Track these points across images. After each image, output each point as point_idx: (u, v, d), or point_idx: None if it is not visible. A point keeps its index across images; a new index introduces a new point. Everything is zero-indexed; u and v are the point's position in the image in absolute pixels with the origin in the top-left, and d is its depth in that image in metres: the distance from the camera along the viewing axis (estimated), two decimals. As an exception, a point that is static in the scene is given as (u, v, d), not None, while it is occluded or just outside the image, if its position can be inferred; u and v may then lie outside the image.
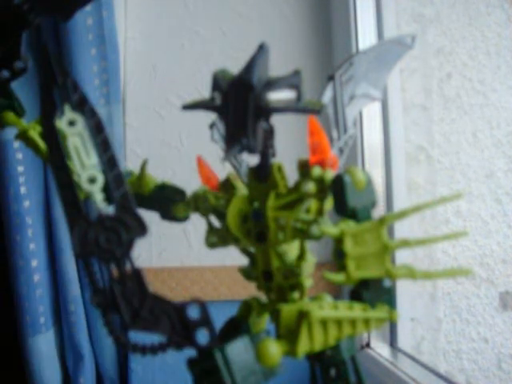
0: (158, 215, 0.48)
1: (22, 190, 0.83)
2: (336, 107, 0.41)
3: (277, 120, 0.33)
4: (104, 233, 0.29)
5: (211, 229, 0.44)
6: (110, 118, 0.88)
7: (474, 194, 0.91)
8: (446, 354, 0.90)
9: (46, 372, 0.87)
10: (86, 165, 0.30)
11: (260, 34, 0.99)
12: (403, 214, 0.32)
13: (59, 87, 0.30)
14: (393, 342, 0.87)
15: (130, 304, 0.30)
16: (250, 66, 0.30)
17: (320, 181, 0.35)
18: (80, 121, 0.30)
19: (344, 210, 0.33)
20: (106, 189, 0.30)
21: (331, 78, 0.41)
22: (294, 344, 0.31)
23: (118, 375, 0.94)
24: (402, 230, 0.82)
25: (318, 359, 0.36)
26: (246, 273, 0.41)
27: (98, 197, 0.29)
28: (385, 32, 0.89)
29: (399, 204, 0.86)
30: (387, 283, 0.33)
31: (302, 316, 0.31)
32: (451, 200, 0.31)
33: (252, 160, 0.37)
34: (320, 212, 0.36)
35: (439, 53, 0.93)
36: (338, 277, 0.32)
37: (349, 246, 0.32)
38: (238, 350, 0.33)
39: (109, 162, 0.30)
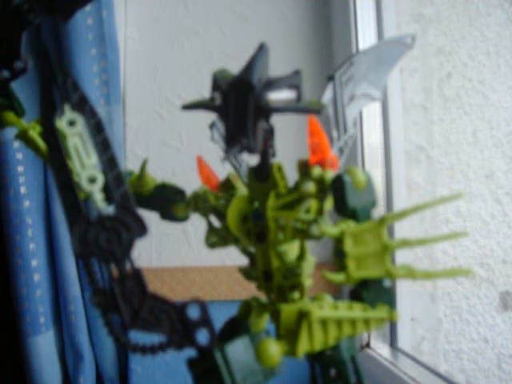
0: (158, 215, 0.48)
1: (22, 190, 0.83)
2: (336, 107, 0.41)
3: (277, 120, 0.33)
4: (104, 233, 0.29)
5: (211, 229, 0.44)
6: (110, 118, 0.88)
7: (474, 193, 0.91)
8: (446, 354, 0.90)
9: (46, 372, 0.87)
10: (86, 165, 0.30)
11: (260, 34, 0.99)
12: (403, 214, 0.32)
13: (59, 87, 0.30)
14: (393, 342, 0.87)
15: (129, 304, 0.30)
16: (249, 66, 0.30)
17: (320, 181, 0.35)
18: (80, 121, 0.30)
19: (344, 210, 0.33)
20: (106, 189, 0.30)
21: (331, 78, 0.41)
22: (294, 344, 0.31)
23: (118, 375, 0.94)
24: (402, 230, 0.82)
25: (317, 359, 0.36)
26: (246, 273, 0.41)
27: (98, 197, 0.29)
28: (385, 32, 0.89)
29: (399, 204, 0.86)
30: (387, 283, 0.33)
31: (302, 316, 0.31)
32: (451, 200, 0.31)
33: (252, 160, 0.37)
34: (320, 212, 0.36)
35: (439, 53, 0.93)
36: (338, 277, 0.32)
37: (349, 245, 0.32)
38: (238, 349, 0.33)
39: (109, 162, 0.30)
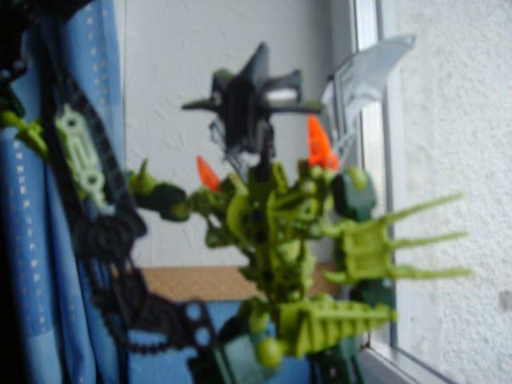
0: (158, 215, 0.48)
1: (22, 190, 0.83)
2: (336, 107, 0.41)
3: (277, 120, 0.33)
4: (104, 233, 0.29)
5: (211, 229, 0.44)
6: (110, 118, 0.88)
7: (474, 193, 0.91)
8: (445, 354, 0.90)
9: (46, 372, 0.87)
10: (86, 165, 0.30)
11: (260, 34, 0.99)
12: (403, 214, 0.32)
13: (59, 87, 0.30)
14: (393, 342, 0.87)
15: (130, 304, 0.29)
16: (249, 66, 0.30)
17: (320, 181, 0.35)
18: (80, 121, 0.30)
19: (344, 210, 0.33)
20: (106, 189, 0.30)
21: (331, 77, 0.41)
22: (294, 344, 0.31)
23: (118, 375, 0.94)
24: (402, 230, 0.82)
25: (318, 359, 0.36)
26: (246, 273, 0.41)
27: (98, 197, 0.29)
28: (385, 32, 0.89)
29: (399, 204, 0.86)
30: (387, 283, 0.33)
31: (302, 316, 0.31)
32: (451, 200, 0.31)
33: (252, 160, 0.37)
34: (320, 212, 0.36)
35: (439, 53, 0.93)
36: (338, 277, 0.32)
37: (349, 245, 0.32)
38: (238, 349, 0.33)
39: (109, 162, 0.30)
